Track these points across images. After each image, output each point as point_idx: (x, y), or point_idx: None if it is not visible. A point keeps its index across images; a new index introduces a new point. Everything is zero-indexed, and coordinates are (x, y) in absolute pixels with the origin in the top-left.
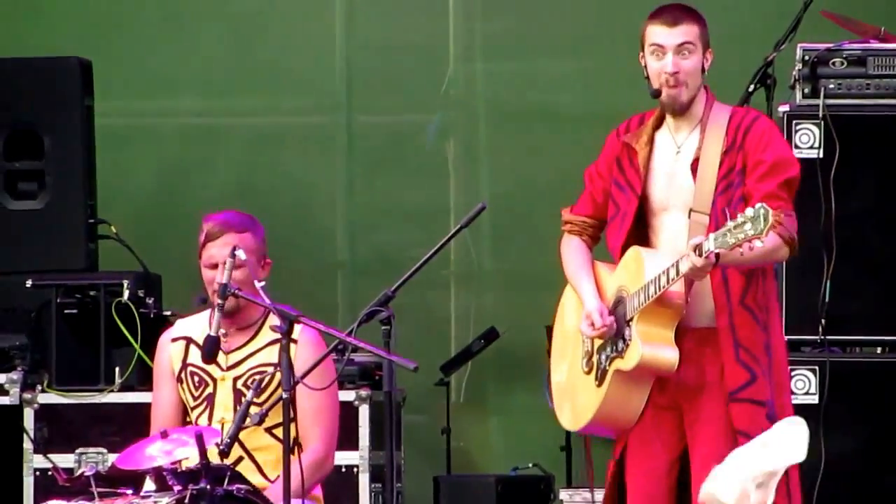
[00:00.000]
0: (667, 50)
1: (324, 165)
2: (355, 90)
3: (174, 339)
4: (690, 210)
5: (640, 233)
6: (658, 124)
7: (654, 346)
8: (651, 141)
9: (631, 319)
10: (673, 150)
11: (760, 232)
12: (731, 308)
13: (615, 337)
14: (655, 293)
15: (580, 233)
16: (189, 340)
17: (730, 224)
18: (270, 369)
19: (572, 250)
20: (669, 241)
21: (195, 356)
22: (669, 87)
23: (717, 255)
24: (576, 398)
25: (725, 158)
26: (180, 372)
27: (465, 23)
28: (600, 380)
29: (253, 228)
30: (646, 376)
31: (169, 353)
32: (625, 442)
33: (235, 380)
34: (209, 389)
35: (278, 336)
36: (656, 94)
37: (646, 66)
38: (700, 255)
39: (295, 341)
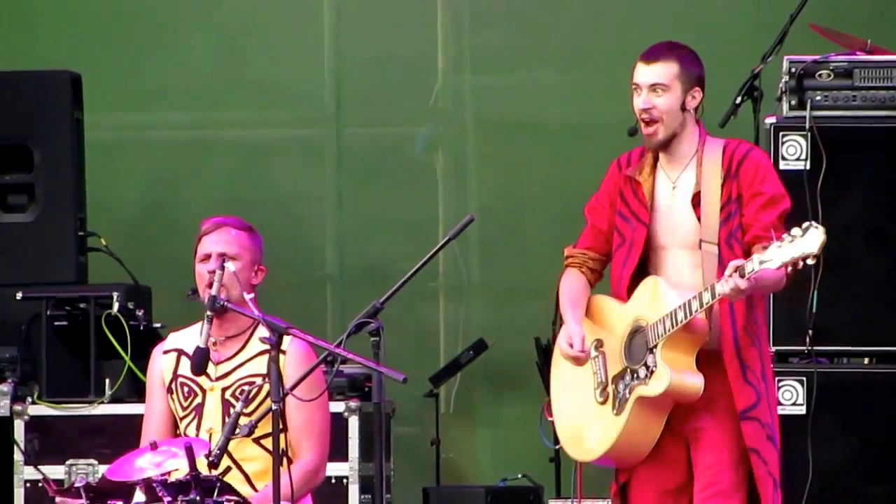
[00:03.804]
0: (642, 88)
1: (313, 177)
2: (344, 102)
3: (166, 352)
4: (700, 241)
5: (642, 269)
6: (657, 158)
7: (680, 372)
8: (653, 172)
9: (654, 347)
10: (669, 186)
11: (813, 252)
12: (736, 333)
13: (635, 366)
14: (685, 319)
15: (580, 265)
16: (180, 352)
17: (785, 238)
18: (259, 380)
19: (568, 280)
20: (674, 277)
21: (185, 367)
22: (645, 125)
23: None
24: (588, 430)
25: (723, 189)
26: (171, 383)
27: (453, 35)
28: (620, 408)
29: (250, 231)
30: (667, 403)
31: (160, 365)
32: (630, 472)
33: (224, 390)
34: (198, 399)
35: (267, 347)
36: (632, 131)
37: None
38: (742, 277)
39: (283, 352)
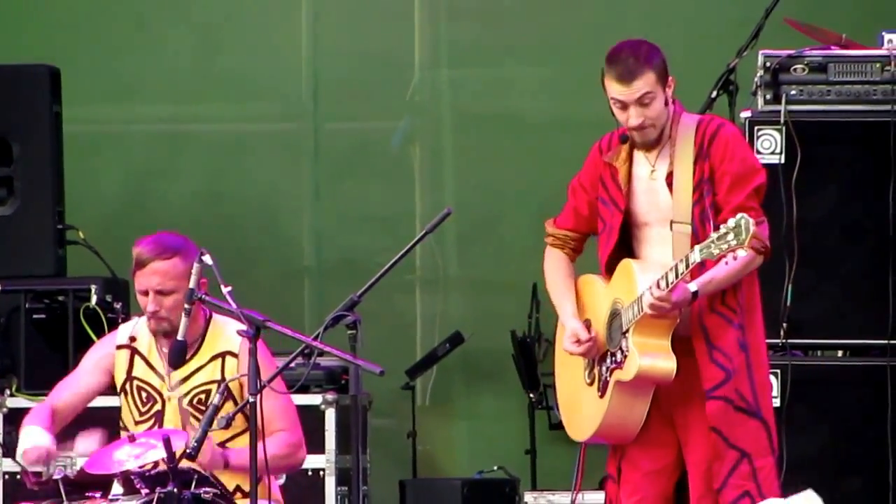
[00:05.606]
0: (628, 105)
1: (290, 171)
2: (321, 96)
3: (119, 347)
4: (672, 222)
5: (628, 244)
6: (633, 143)
7: (651, 356)
8: (630, 157)
9: (627, 331)
10: (648, 168)
11: (742, 242)
12: (700, 313)
13: (613, 349)
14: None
15: (562, 246)
16: (133, 351)
17: (713, 236)
18: (231, 375)
19: (553, 266)
20: (656, 252)
21: (140, 369)
22: (637, 132)
23: (695, 293)
24: (580, 410)
25: (696, 168)
26: (125, 383)
27: (430, 30)
28: (602, 391)
29: (182, 252)
30: (646, 386)
31: (113, 357)
32: (622, 450)
33: (181, 399)
34: (157, 407)
35: (219, 352)
36: (625, 138)
37: (612, 110)
38: (658, 287)
39: (236, 356)
